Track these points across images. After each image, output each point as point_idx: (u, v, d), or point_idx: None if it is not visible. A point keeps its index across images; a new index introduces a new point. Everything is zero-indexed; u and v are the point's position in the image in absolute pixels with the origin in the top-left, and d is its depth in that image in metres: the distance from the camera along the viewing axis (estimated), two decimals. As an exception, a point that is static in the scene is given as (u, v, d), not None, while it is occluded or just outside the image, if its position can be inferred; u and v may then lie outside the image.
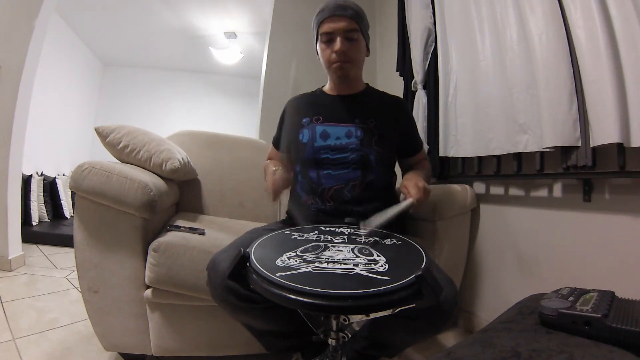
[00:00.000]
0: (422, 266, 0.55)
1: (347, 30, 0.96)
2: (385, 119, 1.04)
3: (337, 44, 0.96)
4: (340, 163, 0.98)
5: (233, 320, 0.87)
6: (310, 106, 1.09)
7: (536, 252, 1.22)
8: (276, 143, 1.19)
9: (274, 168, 0.99)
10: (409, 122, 1.14)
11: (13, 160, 1.99)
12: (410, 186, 0.86)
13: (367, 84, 1.13)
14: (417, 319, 0.71)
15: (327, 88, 1.12)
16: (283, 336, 0.86)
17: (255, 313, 0.77)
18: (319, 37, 1.00)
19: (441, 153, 1.51)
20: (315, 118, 1.04)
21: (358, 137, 0.99)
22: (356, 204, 0.96)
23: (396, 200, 1.15)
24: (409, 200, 0.81)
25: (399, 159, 1.16)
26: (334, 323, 0.62)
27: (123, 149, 1.14)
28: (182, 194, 1.39)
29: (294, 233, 0.74)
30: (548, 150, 1.07)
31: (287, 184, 0.96)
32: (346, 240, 0.68)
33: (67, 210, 3.53)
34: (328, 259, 0.58)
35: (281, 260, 0.57)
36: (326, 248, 0.63)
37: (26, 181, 2.95)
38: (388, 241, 0.69)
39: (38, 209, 3.13)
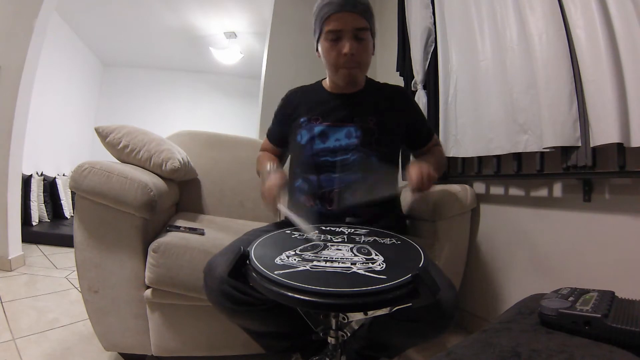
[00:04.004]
0: (420, 265, 0.55)
1: (357, 29, 0.88)
2: (388, 113, 1.00)
3: (346, 45, 0.87)
4: (340, 165, 0.95)
5: (232, 321, 0.87)
6: (308, 104, 1.04)
7: (536, 252, 1.22)
8: (271, 136, 1.14)
9: (269, 167, 0.94)
10: (414, 111, 1.09)
11: (13, 160, 1.99)
12: (413, 172, 0.82)
13: (366, 77, 1.06)
14: (417, 322, 0.71)
15: (327, 84, 1.06)
16: (281, 337, 0.85)
17: (252, 315, 0.77)
18: (324, 34, 0.91)
19: (441, 153, 1.52)
20: (314, 118, 1.00)
21: (358, 137, 0.96)
22: (357, 207, 0.93)
23: (397, 202, 1.14)
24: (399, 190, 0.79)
25: (411, 151, 1.12)
26: (333, 321, 0.62)
27: (123, 149, 1.14)
28: (182, 194, 1.39)
29: (294, 232, 0.74)
30: (548, 150, 1.07)
31: (284, 184, 0.90)
32: (346, 240, 0.68)
33: (67, 210, 3.53)
34: (327, 257, 0.58)
35: (280, 259, 0.57)
36: (325, 247, 0.63)
37: (26, 181, 2.95)
38: (387, 241, 0.69)
39: (38, 209, 3.13)
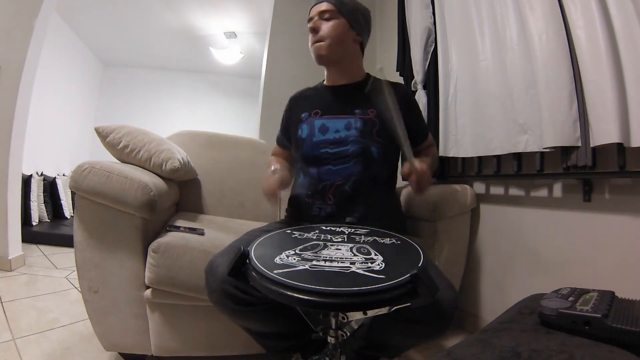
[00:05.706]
0: (419, 265, 0.54)
1: (322, 12, 0.99)
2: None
3: (311, 23, 1.00)
4: (340, 157, 0.95)
5: (232, 321, 0.87)
6: (309, 100, 1.08)
7: (536, 252, 1.22)
8: (280, 141, 1.18)
9: (273, 167, 0.97)
10: (414, 110, 1.09)
11: (13, 160, 1.99)
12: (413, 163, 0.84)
13: (368, 73, 1.10)
14: (417, 322, 0.71)
15: (326, 81, 1.10)
16: (281, 337, 0.85)
17: (253, 316, 0.77)
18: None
19: (441, 153, 1.51)
20: (314, 112, 1.02)
21: (358, 128, 0.96)
22: (358, 201, 0.94)
23: (397, 202, 1.14)
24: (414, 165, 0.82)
25: None
26: (332, 321, 0.62)
27: (123, 149, 1.14)
28: (182, 194, 1.39)
29: (295, 232, 0.74)
30: (548, 150, 1.07)
31: (287, 184, 0.95)
32: (345, 239, 0.68)
33: (67, 210, 3.53)
34: (326, 257, 0.58)
35: (280, 259, 0.57)
36: (325, 247, 0.63)
37: (26, 181, 2.95)
38: (387, 241, 0.69)
39: (38, 209, 3.13)
